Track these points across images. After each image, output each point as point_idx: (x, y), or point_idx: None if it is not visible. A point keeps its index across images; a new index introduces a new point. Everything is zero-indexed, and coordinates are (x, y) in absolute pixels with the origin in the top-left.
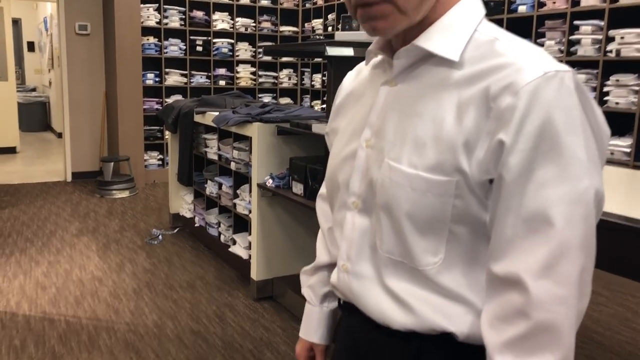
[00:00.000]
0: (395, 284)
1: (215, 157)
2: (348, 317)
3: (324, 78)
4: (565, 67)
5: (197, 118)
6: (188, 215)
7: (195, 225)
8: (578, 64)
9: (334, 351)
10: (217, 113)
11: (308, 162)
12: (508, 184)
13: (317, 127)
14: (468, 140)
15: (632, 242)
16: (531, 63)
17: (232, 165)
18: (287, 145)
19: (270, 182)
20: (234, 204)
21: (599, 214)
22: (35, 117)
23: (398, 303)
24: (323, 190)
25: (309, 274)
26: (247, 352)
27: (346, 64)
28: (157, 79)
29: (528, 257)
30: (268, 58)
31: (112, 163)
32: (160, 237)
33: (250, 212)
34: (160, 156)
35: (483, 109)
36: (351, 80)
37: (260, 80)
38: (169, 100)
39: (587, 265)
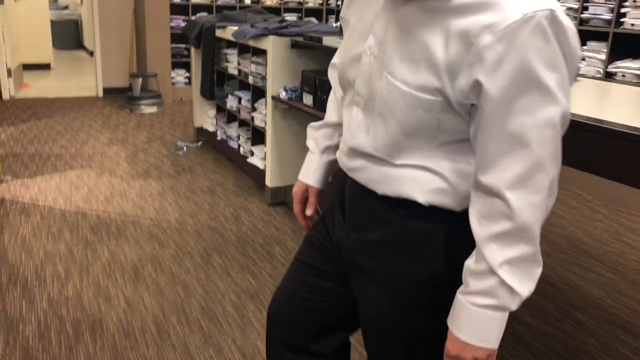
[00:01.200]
0: (382, 167)
1: (236, 72)
2: (346, 178)
3: None
4: (544, 5)
5: (219, 33)
6: (211, 129)
7: (218, 138)
8: None
9: (333, 195)
10: (237, 28)
11: (318, 74)
12: (489, 113)
13: (327, 40)
14: (451, 67)
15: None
16: (512, 4)
17: (250, 79)
18: (300, 58)
19: (283, 95)
20: (252, 117)
21: (564, 130)
22: (67, 35)
23: (382, 178)
24: (335, 59)
25: (315, 128)
26: (258, 245)
27: None
28: None
29: (506, 172)
30: None
31: (141, 79)
32: (184, 148)
33: (266, 124)
34: (187, 74)
35: (465, 42)
36: None
37: None
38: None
39: (556, 176)
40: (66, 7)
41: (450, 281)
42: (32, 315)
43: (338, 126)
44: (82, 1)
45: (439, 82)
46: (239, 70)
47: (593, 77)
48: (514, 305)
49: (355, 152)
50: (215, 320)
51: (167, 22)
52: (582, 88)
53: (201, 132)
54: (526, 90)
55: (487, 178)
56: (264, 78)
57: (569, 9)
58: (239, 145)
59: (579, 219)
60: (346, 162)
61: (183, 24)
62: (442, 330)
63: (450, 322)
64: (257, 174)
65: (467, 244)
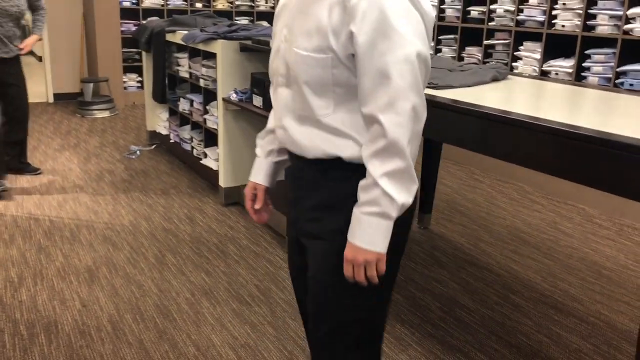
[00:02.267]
0: (305, 130)
1: (187, 75)
2: (289, 157)
3: None
4: None
5: (169, 37)
6: (164, 132)
7: (171, 141)
8: None
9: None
10: (187, 32)
11: (267, 76)
12: (360, 56)
13: None
14: (335, 29)
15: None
16: None
17: (201, 82)
18: (250, 62)
19: (234, 97)
20: (204, 120)
21: (427, 69)
22: None
23: (308, 142)
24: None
25: (261, 137)
26: (212, 245)
27: None
28: (134, 1)
29: (377, 101)
30: None
31: (92, 84)
32: (138, 152)
33: (218, 126)
34: (139, 78)
35: (342, 7)
36: None
37: (237, 2)
38: None
39: (417, 102)
40: None
41: None
42: None
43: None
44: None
45: (327, 42)
46: (190, 74)
47: (530, 76)
48: (394, 212)
49: (286, 120)
50: (170, 317)
51: (117, 27)
52: (519, 86)
53: (154, 136)
54: (385, 35)
55: (366, 108)
56: (214, 81)
57: (506, 10)
58: (192, 148)
59: (520, 209)
60: (282, 136)
61: (134, 28)
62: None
63: (348, 233)
64: (211, 175)
65: None
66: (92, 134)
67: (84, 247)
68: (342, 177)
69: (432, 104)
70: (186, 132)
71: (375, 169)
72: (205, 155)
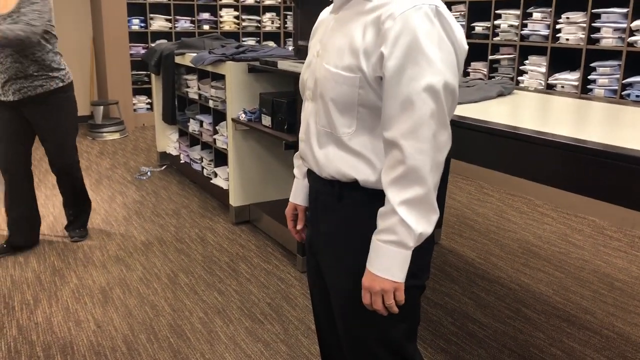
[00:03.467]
0: (325, 147)
1: (196, 97)
2: (308, 176)
3: None
4: (431, 2)
5: (178, 59)
6: (174, 152)
7: (181, 161)
8: (533, 3)
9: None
10: (195, 54)
11: (275, 96)
12: (388, 79)
13: (282, 64)
14: (367, 49)
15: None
16: (407, 0)
17: (211, 103)
18: (258, 82)
19: (243, 117)
20: (214, 140)
21: (454, 100)
22: None
23: (326, 159)
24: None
25: (298, 159)
26: (223, 264)
27: (312, 5)
28: (142, 24)
29: (400, 126)
30: (251, 1)
31: (102, 107)
32: (148, 173)
33: (228, 145)
34: (149, 100)
35: (376, 29)
36: (323, 14)
37: (244, 24)
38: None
39: (438, 130)
40: None
41: None
42: (1, 343)
43: None
44: None
45: (358, 62)
46: (200, 95)
47: (535, 89)
48: (411, 242)
49: (311, 135)
50: (184, 336)
51: (126, 50)
52: (525, 100)
53: (164, 157)
54: (415, 61)
55: (388, 133)
56: (223, 101)
57: (510, 25)
58: (203, 168)
59: (530, 222)
60: (303, 149)
61: (143, 51)
62: None
63: (367, 260)
64: (221, 195)
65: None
66: (103, 156)
67: (97, 269)
68: (357, 202)
69: None
70: (196, 152)
71: (394, 196)
72: (216, 175)
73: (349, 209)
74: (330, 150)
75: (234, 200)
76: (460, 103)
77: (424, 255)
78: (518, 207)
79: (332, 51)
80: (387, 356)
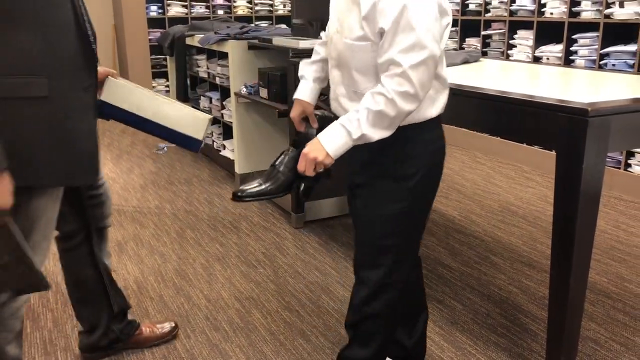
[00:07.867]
0: (354, 102)
1: (206, 75)
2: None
3: None
4: None
5: (189, 41)
6: None
7: None
8: None
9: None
10: (202, 35)
11: (271, 70)
12: (383, 44)
13: (277, 41)
14: (368, 19)
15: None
16: None
17: (217, 80)
18: (257, 58)
19: (244, 90)
20: (222, 114)
21: (434, 63)
22: None
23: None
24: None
25: (307, 64)
26: (227, 222)
27: None
28: (159, 11)
29: (398, 46)
30: None
31: None
32: (165, 148)
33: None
34: (167, 83)
35: (373, 5)
36: None
37: (257, 8)
38: None
39: (430, 54)
40: None
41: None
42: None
43: (323, 61)
44: None
45: (364, 32)
46: (208, 73)
47: (523, 61)
48: (354, 133)
49: (339, 95)
50: (187, 278)
51: (145, 36)
52: (486, 67)
53: None
54: (406, 31)
55: (387, 54)
56: (228, 78)
57: (500, 2)
58: (213, 141)
59: (514, 186)
60: (335, 107)
61: None
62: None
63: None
64: (229, 165)
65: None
66: (124, 135)
67: (114, 227)
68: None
69: None
70: None
71: (367, 102)
72: (224, 147)
73: (371, 144)
74: (355, 104)
75: (239, 168)
76: None
77: (438, 158)
78: (506, 173)
79: (346, 27)
80: (395, 255)
